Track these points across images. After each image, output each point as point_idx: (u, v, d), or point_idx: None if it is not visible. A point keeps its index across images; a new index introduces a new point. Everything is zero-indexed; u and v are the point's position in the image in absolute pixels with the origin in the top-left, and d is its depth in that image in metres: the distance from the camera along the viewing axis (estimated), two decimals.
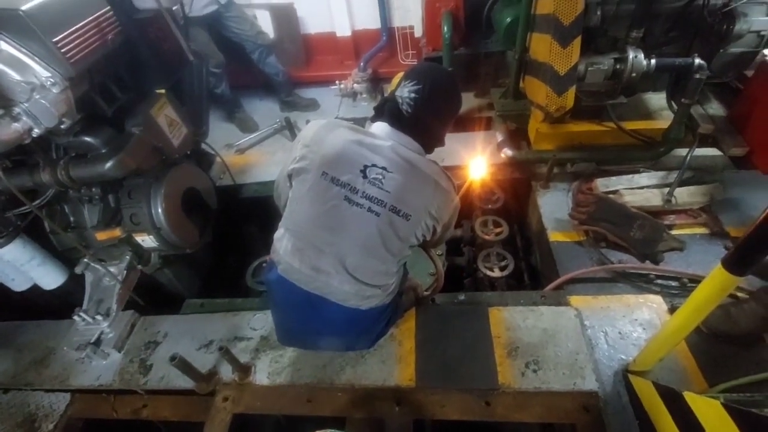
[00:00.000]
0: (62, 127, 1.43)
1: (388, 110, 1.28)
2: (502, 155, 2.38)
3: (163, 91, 1.79)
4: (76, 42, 1.37)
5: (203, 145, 2.41)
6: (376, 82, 3.42)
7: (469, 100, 3.07)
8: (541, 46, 2.07)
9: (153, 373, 1.75)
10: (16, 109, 1.32)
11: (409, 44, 3.45)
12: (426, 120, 1.27)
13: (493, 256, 2.15)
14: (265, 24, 3.38)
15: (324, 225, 1.23)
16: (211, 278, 2.53)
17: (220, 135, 3.06)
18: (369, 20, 3.47)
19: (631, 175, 2.18)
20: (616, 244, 1.94)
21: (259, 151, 3.06)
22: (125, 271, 2.01)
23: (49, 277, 1.94)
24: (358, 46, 3.61)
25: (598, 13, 1.94)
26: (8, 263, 1.86)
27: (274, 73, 3.21)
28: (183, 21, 1.71)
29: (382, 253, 1.24)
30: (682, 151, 2.16)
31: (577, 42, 1.91)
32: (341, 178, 1.20)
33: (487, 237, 2.21)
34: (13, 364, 1.90)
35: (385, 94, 3.11)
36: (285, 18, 3.43)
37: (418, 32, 3.31)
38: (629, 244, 1.90)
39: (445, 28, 2.64)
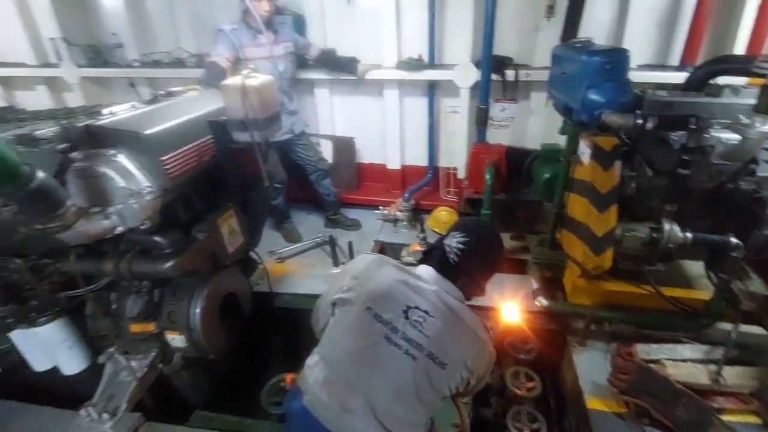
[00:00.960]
0: (142, 228, 1.60)
1: (435, 256, 1.36)
2: (537, 303, 2.37)
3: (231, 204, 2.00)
4: (178, 161, 1.61)
5: (251, 252, 2.55)
6: (417, 212, 3.65)
7: (504, 241, 3.18)
8: (579, 207, 2.20)
9: None
10: (111, 209, 1.51)
11: (451, 183, 3.76)
12: (470, 270, 1.33)
13: (524, 415, 1.99)
14: (326, 151, 3.84)
15: (361, 360, 1.23)
16: (225, 384, 2.44)
17: (265, 241, 3.23)
18: (418, 158, 3.87)
19: (673, 345, 2.08)
20: (661, 423, 1.78)
21: (299, 261, 3.20)
22: (146, 369, 1.99)
23: (74, 362, 1.95)
24: (405, 179, 3.96)
25: (633, 185, 2.10)
26: (41, 342, 1.90)
27: (326, 193, 3.52)
28: (266, 148, 1.98)
29: (414, 401, 1.20)
30: (727, 325, 2.08)
31: (614, 209, 2.03)
32: (384, 316, 1.23)
33: (518, 391, 2.08)
34: None
35: (424, 225, 3.36)
36: (345, 148, 3.89)
37: (461, 174, 3.63)
38: (675, 424, 1.74)
39: (488, 176, 2.89)
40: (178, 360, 2.10)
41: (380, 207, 3.66)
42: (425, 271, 1.35)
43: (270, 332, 2.76)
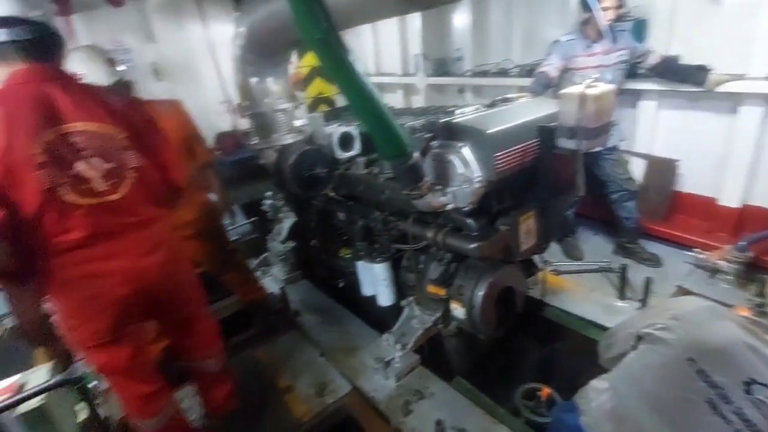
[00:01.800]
0: (464, 209, 1.92)
1: None
2: None
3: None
4: (507, 158, 1.83)
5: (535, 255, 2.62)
6: (754, 269, 2.77)
7: None
8: None
9: (410, 420, 1.98)
10: (448, 189, 1.88)
11: None
12: None
13: None
14: (637, 170, 3.41)
15: (663, 412, 1.09)
16: (482, 364, 2.65)
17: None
18: None
19: None
20: None
21: (575, 280, 3.04)
22: (430, 324, 2.41)
23: (386, 297, 2.55)
24: (744, 222, 3.06)
25: None
26: (372, 274, 2.59)
27: (626, 217, 3.16)
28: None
29: None
30: None
31: None
32: (713, 377, 1.04)
33: None
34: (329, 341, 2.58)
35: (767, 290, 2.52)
36: (661, 170, 3.35)
37: None
38: None
39: None
40: (453, 327, 2.43)
41: (695, 249, 2.99)
42: None
43: (534, 340, 2.78)
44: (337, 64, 1.36)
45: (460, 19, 4.72)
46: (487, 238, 2.02)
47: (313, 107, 5.64)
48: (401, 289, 2.61)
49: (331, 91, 6.21)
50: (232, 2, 4.79)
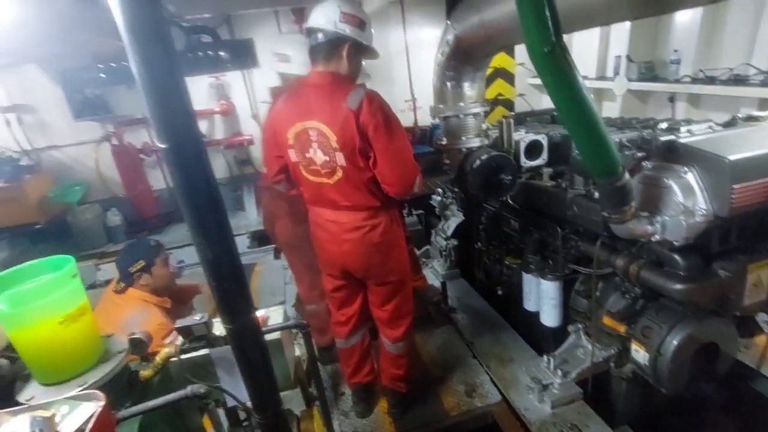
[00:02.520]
0: (674, 243, 1.67)
1: None
2: None
3: None
4: (747, 194, 1.52)
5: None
6: None
7: None
8: None
9: None
10: (658, 218, 1.66)
11: None
12: None
13: None
14: None
15: None
16: (652, 422, 2.31)
17: None
18: None
19: None
20: None
21: None
22: (600, 359, 2.19)
23: (551, 318, 2.41)
24: None
25: None
26: (538, 290, 2.47)
27: None
28: None
29: None
30: None
31: None
32: None
33: None
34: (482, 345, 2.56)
35: None
36: None
37: None
38: None
39: None
40: (628, 370, 2.16)
41: None
42: None
43: (727, 408, 2.28)
44: (560, 78, 1.33)
45: (685, 15, 4.00)
46: (699, 282, 1.72)
47: (490, 108, 5.61)
48: (568, 313, 2.44)
49: (512, 93, 6.06)
50: (444, 11, 5.07)
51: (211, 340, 1.28)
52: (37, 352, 1.10)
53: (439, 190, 3.84)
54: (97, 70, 4.31)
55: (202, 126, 5.53)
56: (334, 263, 2.03)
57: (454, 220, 3.61)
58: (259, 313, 1.58)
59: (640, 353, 2.04)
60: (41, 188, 4.61)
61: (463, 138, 2.76)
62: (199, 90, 5.27)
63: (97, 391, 0.98)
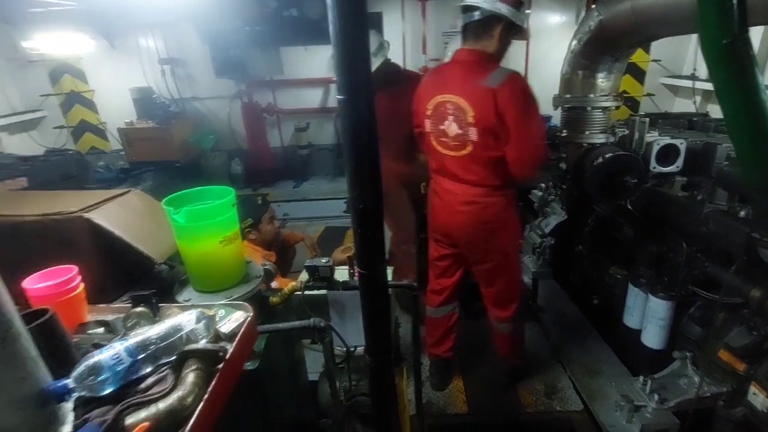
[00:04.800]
0: None
1: None
2: None
3: None
4: None
5: None
6: None
7: None
8: None
9: None
10: None
11: None
12: None
13: None
14: None
15: None
16: None
17: None
18: None
19: None
20: None
21: None
22: (707, 395, 1.98)
23: (655, 338, 2.23)
24: None
25: None
26: (644, 307, 2.29)
27: None
28: None
29: None
30: None
31: None
32: None
33: None
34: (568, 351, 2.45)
35: None
36: None
37: None
38: None
39: None
40: (739, 413, 1.93)
41: None
42: None
43: None
44: (737, 76, 1.19)
45: None
46: None
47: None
48: (675, 337, 2.23)
49: (639, 91, 5.48)
50: None
51: (331, 283, 1.43)
52: (199, 263, 1.33)
53: (542, 185, 3.67)
54: (241, 32, 4.78)
55: (320, 94, 5.87)
56: (444, 231, 2.12)
57: (555, 218, 3.44)
58: None
59: (759, 398, 1.81)
60: (183, 133, 5.34)
61: (587, 132, 2.61)
62: (323, 58, 5.59)
63: (246, 303, 1.17)
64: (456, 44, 2.58)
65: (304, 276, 1.50)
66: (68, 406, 0.83)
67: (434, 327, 2.34)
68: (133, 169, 5.22)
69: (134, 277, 1.42)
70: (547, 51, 5.04)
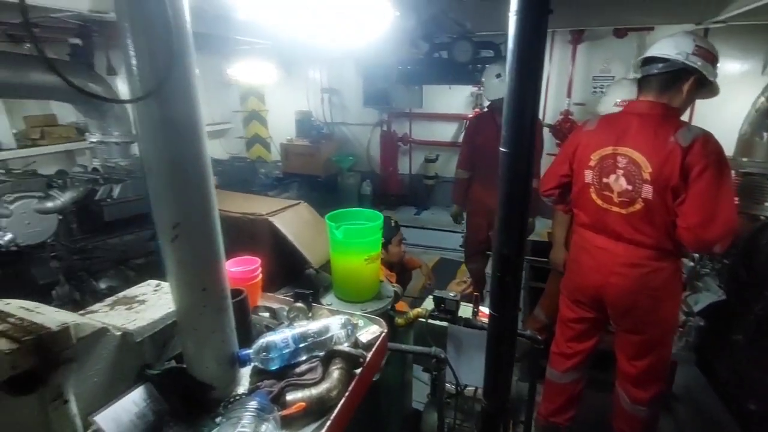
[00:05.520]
0: None
1: None
2: None
3: None
4: None
5: None
6: None
7: None
8: None
9: None
10: None
11: None
12: None
13: None
14: None
15: None
16: None
17: None
18: None
19: None
20: None
21: None
22: None
23: None
24: None
25: None
26: None
27: None
28: None
29: None
30: None
31: None
32: None
33: None
34: None
35: None
36: None
37: None
38: None
39: None
40: None
41: None
42: None
43: None
44: None
45: None
46: None
47: None
48: None
49: None
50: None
51: (454, 317, 1.50)
52: (346, 275, 1.53)
53: (694, 255, 3.20)
54: (393, 69, 5.28)
55: (453, 129, 6.09)
56: (591, 294, 1.93)
57: (708, 295, 2.96)
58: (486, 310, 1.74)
59: None
60: (328, 152, 6.06)
61: (766, 204, 2.24)
62: (461, 96, 5.80)
63: (380, 319, 1.31)
64: (620, 93, 2.46)
65: (428, 304, 1.59)
66: (246, 371, 1.05)
67: (556, 392, 2.14)
68: (284, 179, 6.06)
69: (291, 276, 1.70)
70: (719, 104, 4.41)
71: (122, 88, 3.49)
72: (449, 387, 1.57)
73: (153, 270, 2.72)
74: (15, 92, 2.78)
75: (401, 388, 1.77)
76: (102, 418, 0.83)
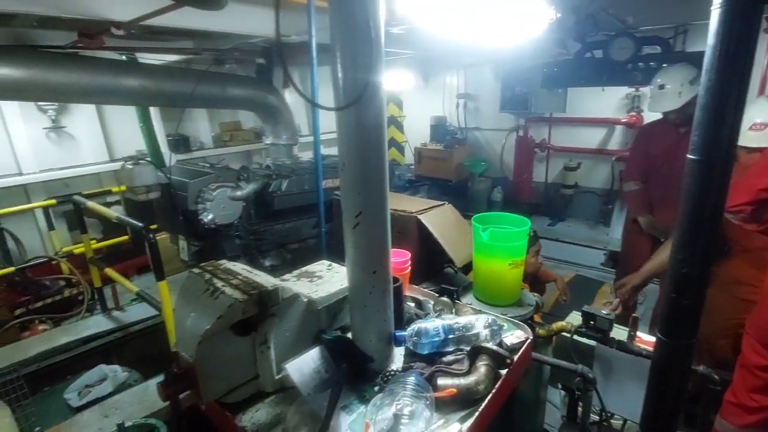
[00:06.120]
0: None
1: None
2: None
3: None
4: None
5: None
6: None
7: None
8: None
9: None
10: None
11: None
12: None
13: None
14: None
15: None
16: None
17: None
18: None
19: None
20: None
21: None
22: None
23: None
24: None
25: None
26: None
27: None
28: None
29: None
30: None
31: None
32: None
33: None
34: None
35: None
36: None
37: None
38: None
39: None
40: None
41: None
42: None
43: None
44: None
45: None
46: None
47: None
48: None
49: None
50: None
51: (605, 338, 1.39)
52: (488, 277, 1.55)
53: None
54: (533, 71, 5.03)
55: (600, 135, 5.52)
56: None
57: None
58: (642, 335, 1.56)
59: None
60: (461, 157, 6.06)
61: None
62: (613, 98, 5.22)
63: (525, 326, 1.29)
64: (760, 113, 2.00)
65: (574, 319, 1.51)
66: (401, 351, 1.15)
67: None
68: (416, 181, 6.26)
69: (430, 272, 1.78)
70: None
71: (288, 98, 4.08)
72: (594, 411, 1.46)
73: (305, 254, 3.12)
74: (218, 103, 3.50)
75: (535, 404, 1.70)
76: (290, 366, 1.01)
